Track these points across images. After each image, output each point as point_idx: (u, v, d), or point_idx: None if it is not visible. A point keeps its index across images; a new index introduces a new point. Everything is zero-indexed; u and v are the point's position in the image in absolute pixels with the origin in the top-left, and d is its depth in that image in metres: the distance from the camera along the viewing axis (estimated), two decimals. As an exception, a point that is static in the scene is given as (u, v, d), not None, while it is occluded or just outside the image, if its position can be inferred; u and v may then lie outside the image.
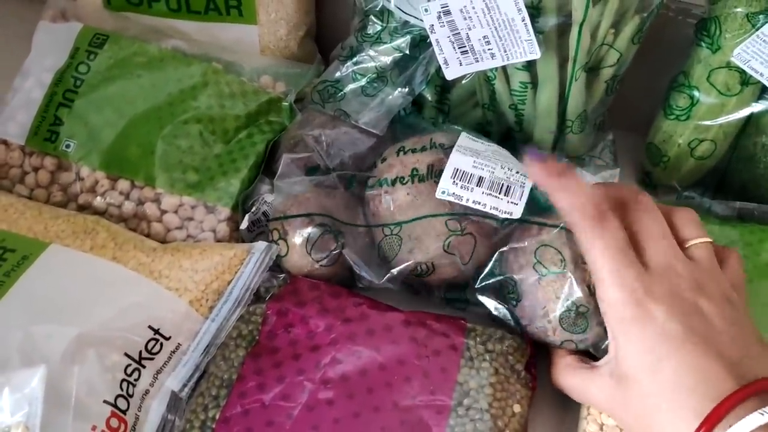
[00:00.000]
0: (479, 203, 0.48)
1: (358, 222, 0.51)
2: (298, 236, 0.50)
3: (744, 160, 0.55)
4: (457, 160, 0.49)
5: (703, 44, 0.53)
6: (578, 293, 0.44)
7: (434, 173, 0.49)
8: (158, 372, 0.45)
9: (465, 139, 0.51)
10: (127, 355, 0.44)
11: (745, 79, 0.52)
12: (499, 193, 0.48)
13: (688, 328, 0.39)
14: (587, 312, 0.44)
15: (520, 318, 0.47)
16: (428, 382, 0.44)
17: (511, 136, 0.57)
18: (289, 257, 0.50)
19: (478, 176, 0.49)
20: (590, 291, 0.44)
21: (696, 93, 0.54)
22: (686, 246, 0.43)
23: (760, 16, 0.50)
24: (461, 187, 0.48)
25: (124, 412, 0.43)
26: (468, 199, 0.48)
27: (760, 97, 0.53)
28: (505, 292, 0.47)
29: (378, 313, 0.48)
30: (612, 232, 0.41)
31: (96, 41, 0.57)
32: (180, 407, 0.46)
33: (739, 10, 0.51)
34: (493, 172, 0.49)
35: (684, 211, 0.45)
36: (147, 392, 0.45)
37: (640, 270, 0.41)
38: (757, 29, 0.50)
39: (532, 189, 0.48)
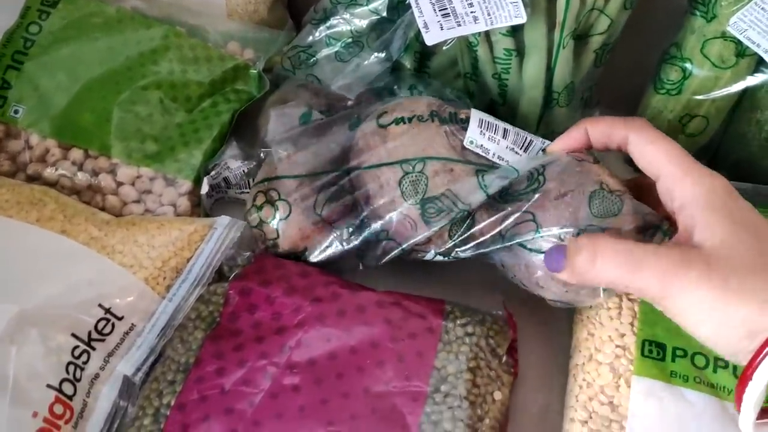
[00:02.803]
0: (502, 159, 0.45)
1: (366, 164, 0.45)
2: (292, 202, 0.45)
3: (737, 137, 0.53)
4: (478, 112, 0.47)
5: (698, 12, 0.50)
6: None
7: (457, 119, 0.46)
8: (109, 355, 0.43)
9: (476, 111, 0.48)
10: (74, 335, 0.41)
11: (741, 51, 0.49)
12: (521, 149, 0.46)
13: None
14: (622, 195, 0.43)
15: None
16: (403, 367, 0.41)
17: (495, 110, 0.54)
18: (287, 224, 0.46)
19: (503, 128, 0.46)
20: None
21: (688, 65, 0.51)
22: None
23: (759, -17, 0.47)
24: (489, 139, 0.45)
25: (70, 397, 0.40)
26: (494, 154, 0.45)
27: (756, 70, 0.50)
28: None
29: (350, 292, 0.44)
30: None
31: (49, 0, 0.53)
32: (133, 393, 0.43)
33: (736, -25, 0.48)
34: (515, 126, 0.47)
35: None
36: (96, 376, 0.42)
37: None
38: (756, -4, 0.47)
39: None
